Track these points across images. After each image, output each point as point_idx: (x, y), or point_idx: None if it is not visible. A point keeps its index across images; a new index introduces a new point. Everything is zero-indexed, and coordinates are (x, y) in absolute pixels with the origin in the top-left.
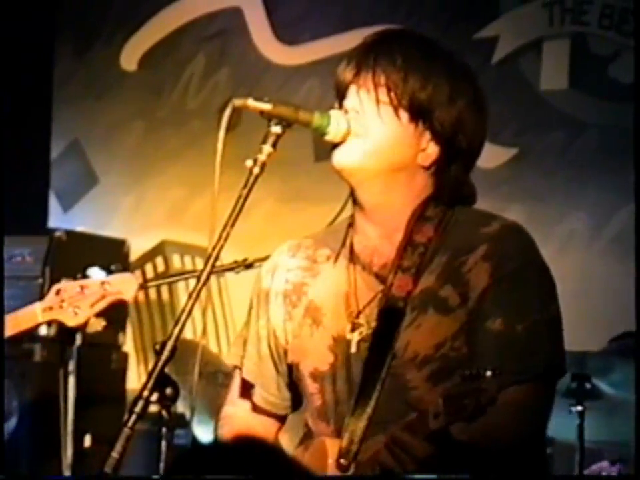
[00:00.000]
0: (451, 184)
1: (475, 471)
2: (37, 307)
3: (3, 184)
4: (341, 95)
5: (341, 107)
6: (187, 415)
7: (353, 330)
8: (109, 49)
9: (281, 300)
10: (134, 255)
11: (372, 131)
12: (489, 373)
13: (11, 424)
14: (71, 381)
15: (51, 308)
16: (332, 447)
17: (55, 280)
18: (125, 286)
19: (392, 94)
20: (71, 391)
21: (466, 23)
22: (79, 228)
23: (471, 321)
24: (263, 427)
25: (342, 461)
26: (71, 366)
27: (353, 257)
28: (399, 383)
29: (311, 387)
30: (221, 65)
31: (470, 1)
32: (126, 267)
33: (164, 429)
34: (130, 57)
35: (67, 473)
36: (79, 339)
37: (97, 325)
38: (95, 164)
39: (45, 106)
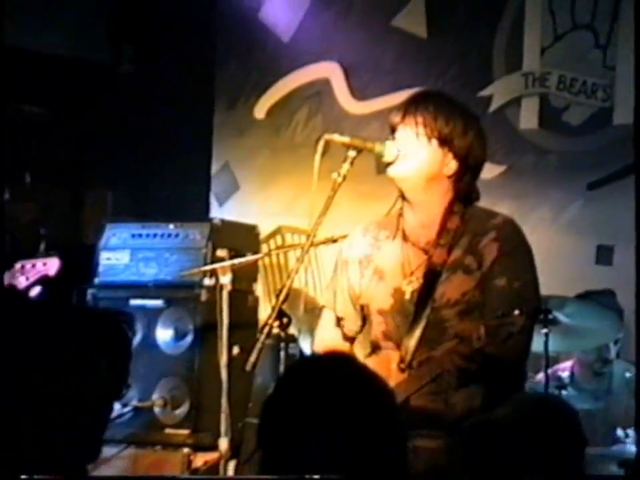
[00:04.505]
0: (465, 189)
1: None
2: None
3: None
4: (393, 130)
5: (393, 137)
6: (297, 334)
7: (408, 284)
8: (247, 104)
9: (356, 265)
10: (262, 235)
11: (414, 153)
12: (516, 312)
13: (187, 340)
14: (225, 313)
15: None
16: (393, 357)
17: (214, 251)
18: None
19: (427, 129)
20: (224, 320)
21: (472, 86)
22: (229, 217)
23: (484, 279)
24: (342, 342)
25: (401, 365)
26: (225, 304)
27: (405, 237)
28: (438, 317)
29: (378, 318)
30: (317, 114)
31: (474, 73)
32: (255, 244)
33: (282, 344)
34: (260, 109)
35: (223, 370)
36: (229, 287)
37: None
38: (238, 176)
39: (206, 142)
